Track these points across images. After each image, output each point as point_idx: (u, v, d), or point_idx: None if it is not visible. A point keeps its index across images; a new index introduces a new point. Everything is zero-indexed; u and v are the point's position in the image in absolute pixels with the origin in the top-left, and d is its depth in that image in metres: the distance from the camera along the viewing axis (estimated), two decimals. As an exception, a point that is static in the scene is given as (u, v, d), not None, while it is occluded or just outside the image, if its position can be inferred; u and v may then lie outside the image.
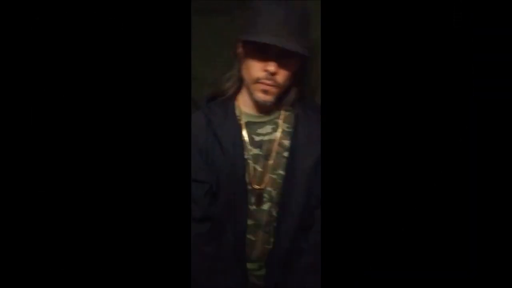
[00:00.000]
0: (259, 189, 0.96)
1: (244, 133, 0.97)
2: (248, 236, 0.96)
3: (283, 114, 0.99)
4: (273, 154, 0.97)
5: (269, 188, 0.96)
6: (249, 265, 0.98)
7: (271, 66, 0.89)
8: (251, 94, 0.95)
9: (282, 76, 0.91)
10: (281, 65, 0.90)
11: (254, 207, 0.96)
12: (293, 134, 0.97)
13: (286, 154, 0.97)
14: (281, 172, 0.96)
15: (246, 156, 0.96)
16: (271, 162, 0.96)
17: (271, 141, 0.97)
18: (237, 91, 1.00)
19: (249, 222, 0.96)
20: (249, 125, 0.98)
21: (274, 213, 0.96)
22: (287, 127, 0.99)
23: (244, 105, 0.99)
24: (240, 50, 0.95)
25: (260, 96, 0.93)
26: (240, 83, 0.98)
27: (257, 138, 0.97)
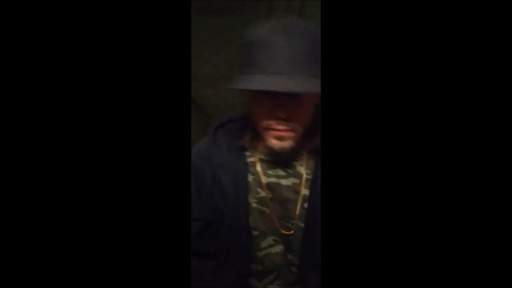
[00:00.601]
0: (287, 234, 0.84)
1: (252, 173, 0.85)
2: (251, 280, 0.87)
3: (305, 157, 0.85)
4: (289, 202, 0.84)
5: (276, 236, 0.85)
6: None
7: (280, 113, 0.75)
8: (265, 143, 0.80)
9: (297, 119, 0.77)
10: (292, 107, 0.75)
11: (263, 252, 0.85)
12: (313, 182, 0.83)
13: (305, 204, 0.83)
14: (300, 223, 0.84)
15: (250, 201, 0.84)
16: (283, 210, 0.84)
17: (284, 187, 0.84)
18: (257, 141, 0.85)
19: (255, 267, 0.86)
20: (260, 163, 0.85)
21: (292, 258, 0.85)
22: (307, 173, 0.84)
23: (257, 141, 0.85)
24: (244, 95, 0.81)
25: (275, 144, 0.78)
26: (255, 133, 0.83)
27: (266, 180, 0.84)
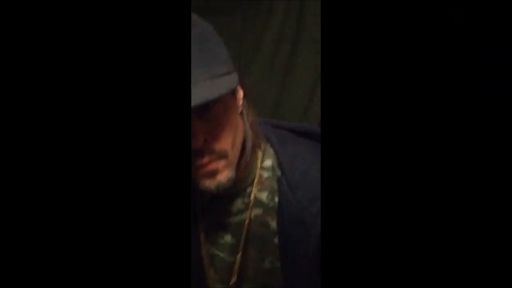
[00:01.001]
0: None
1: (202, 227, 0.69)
2: None
3: (261, 178, 0.68)
4: (256, 240, 0.68)
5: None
6: None
7: (196, 139, 0.61)
8: (199, 188, 0.66)
9: (219, 139, 0.62)
10: (207, 124, 0.62)
11: None
12: (278, 210, 0.66)
13: (275, 239, 0.67)
14: (276, 263, 0.67)
15: (212, 248, 0.68)
16: (251, 250, 0.68)
17: (248, 222, 0.67)
18: None
19: None
20: (209, 205, 0.70)
21: None
22: (268, 198, 0.68)
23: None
24: None
25: (208, 183, 0.64)
26: None
27: (226, 221, 0.68)
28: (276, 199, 0.66)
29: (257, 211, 0.67)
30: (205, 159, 0.62)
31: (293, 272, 0.66)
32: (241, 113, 0.67)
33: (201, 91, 0.59)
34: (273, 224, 0.66)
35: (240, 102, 0.67)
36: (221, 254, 0.68)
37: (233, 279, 0.66)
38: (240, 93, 0.67)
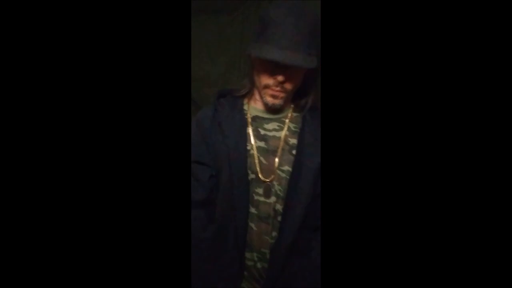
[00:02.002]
0: (267, 181, 0.98)
1: (250, 126, 1.02)
2: (250, 224, 0.98)
3: (290, 114, 1.04)
4: (279, 150, 1.00)
5: (275, 183, 0.98)
6: (248, 255, 0.99)
7: (279, 76, 0.94)
8: (261, 97, 1.01)
9: (290, 84, 0.96)
10: (289, 74, 0.95)
11: (260, 198, 0.98)
12: (300, 134, 1.01)
13: (293, 151, 1.00)
14: (288, 168, 0.99)
15: (249, 148, 0.99)
16: (277, 158, 0.99)
17: (276, 138, 1.01)
18: (249, 92, 1.05)
19: (252, 210, 0.98)
20: (255, 119, 1.03)
21: (279, 208, 0.98)
22: (294, 127, 1.03)
23: (254, 103, 1.04)
24: (250, 58, 0.99)
25: (269, 100, 0.99)
26: (252, 85, 1.03)
27: (262, 132, 1.01)
28: (298, 129, 1.03)
29: (285, 132, 1.02)
30: (277, 88, 0.96)
31: (299, 180, 0.98)
32: (309, 81, 1.02)
33: (302, 59, 0.91)
34: (293, 141, 1.01)
35: (315, 71, 0.99)
36: (260, 157, 1.01)
37: (272, 176, 0.99)
38: (315, 69, 0.98)
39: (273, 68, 0.94)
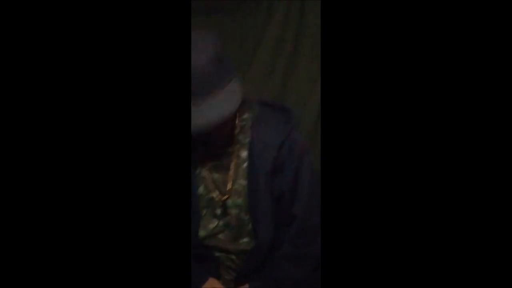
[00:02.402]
0: (224, 199, 1.01)
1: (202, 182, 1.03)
2: (219, 236, 1.02)
3: (238, 125, 1.02)
4: (232, 166, 1.01)
5: (232, 198, 1.01)
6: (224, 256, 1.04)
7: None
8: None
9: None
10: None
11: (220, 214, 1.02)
12: (250, 144, 1.01)
13: (243, 165, 1.01)
14: (243, 182, 1.01)
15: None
16: (231, 173, 1.01)
17: (229, 153, 1.02)
18: None
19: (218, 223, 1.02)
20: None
21: (244, 217, 1.01)
22: (242, 137, 1.02)
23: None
24: None
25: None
26: None
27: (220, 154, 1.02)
28: (248, 139, 1.02)
29: (236, 146, 1.02)
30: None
31: (255, 188, 1.00)
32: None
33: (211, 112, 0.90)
34: (243, 155, 1.01)
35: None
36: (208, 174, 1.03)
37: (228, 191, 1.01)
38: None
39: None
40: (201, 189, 1.03)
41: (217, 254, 1.05)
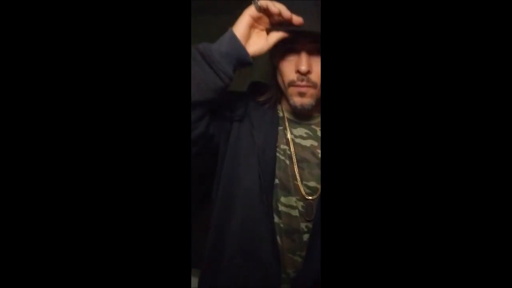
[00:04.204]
0: (309, 199, 0.88)
1: (280, 125, 0.92)
2: (277, 237, 0.87)
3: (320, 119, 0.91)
4: (304, 162, 0.89)
5: (297, 195, 0.89)
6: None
7: (303, 65, 0.83)
8: (288, 101, 0.89)
9: (317, 74, 0.85)
10: (313, 62, 0.85)
11: (285, 209, 0.88)
12: None
13: (319, 165, 0.88)
14: (316, 185, 0.88)
15: (276, 149, 0.89)
16: (301, 170, 0.89)
17: (301, 147, 0.91)
18: (277, 100, 0.94)
19: (277, 221, 0.88)
20: (285, 120, 0.92)
21: (304, 226, 0.88)
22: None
23: (284, 105, 0.94)
24: (272, 55, 0.90)
25: (297, 101, 0.87)
26: (279, 93, 0.93)
27: (288, 136, 0.91)
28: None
29: (312, 142, 0.91)
30: (303, 83, 0.84)
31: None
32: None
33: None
34: (319, 154, 0.88)
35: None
36: (284, 162, 0.89)
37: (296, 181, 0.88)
38: None
39: (294, 56, 0.84)
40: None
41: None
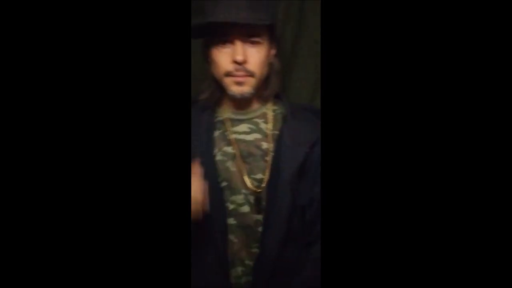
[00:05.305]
0: (257, 191, 0.89)
1: (216, 130, 0.93)
2: (230, 236, 0.90)
3: (265, 113, 0.94)
4: (250, 157, 0.91)
5: (245, 191, 0.90)
6: (232, 271, 0.90)
7: (238, 55, 0.84)
8: (227, 92, 0.89)
9: (253, 63, 0.86)
10: (248, 51, 0.86)
11: (239, 208, 0.90)
12: (278, 137, 0.91)
13: (267, 158, 0.90)
14: (261, 176, 0.90)
15: (216, 153, 0.90)
16: (245, 164, 0.90)
17: (246, 142, 0.92)
18: (216, 103, 0.95)
19: (230, 221, 0.90)
20: (225, 122, 0.93)
21: (259, 218, 0.90)
22: (269, 129, 0.93)
23: (226, 104, 0.94)
24: (204, 47, 0.90)
25: (235, 89, 0.87)
26: (217, 90, 0.92)
27: (231, 136, 0.92)
28: (277, 132, 0.92)
29: (256, 135, 0.92)
30: (240, 72, 0.86)
31: (277, 184, 0.88)
32: (272, 61, 0.92)
33: (257, 16, 0.82)
34: (265, 146, 0.91)
35: (273, 53, 0.92)
36: (227, 163, 0.91)
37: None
38: (274, 50, 0.92)
39: (229, 47, 0.85)
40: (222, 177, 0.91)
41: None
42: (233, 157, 0.91)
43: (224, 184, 0.91)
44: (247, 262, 0.91)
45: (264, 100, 0.95)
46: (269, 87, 0.93)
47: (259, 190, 0.90)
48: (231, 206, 0.91)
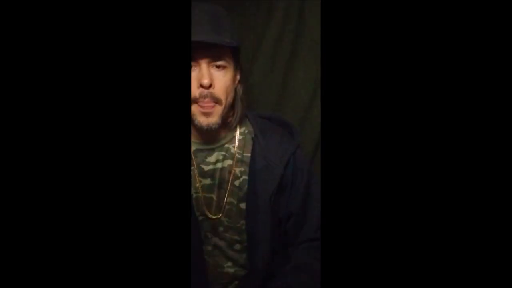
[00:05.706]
0: (214, 218, 0.93)
1: (192, 165, 0.92)
2: (208, 259, 0.94)
3: (235, 138, 0.94)
4: (225, 183, 0.93)
5: (223, 218, 0.93)
6: None
7: (204, 78, 0.83)
8: (194, 123, 0.88)
9: (219, 88, 0.86)
10: (214, 75, 0.85)
11: (210, 235, 0.94)
12: (251, 160, 0.92)
13: (237, 183, 0.92)
14: (234, 201, 0.93)
15: (195, 187, 0.91)
16: (222, 191, 0.92)
17: (222, 169, 0.93)
18: None
19: (208, 248, 0.94)
20: (196, 154, 0.93)
21: (238, 238, 0.94)
22: (239, 153, 0.94)
23: (193, 135, 0.93)
24: None
25: (202, 121, 0.86)
26: None
27: (206, 168, 0.92)
28: (248, 155, 0.92)
29: (229, 162, 0.92)
30: (206, 100, 0.84)
31: (254, 209, 0.90)
32: (236, 87, 0.92)
33: (223, 38, 0.82)
34: (238, 171, 0.92)
35: (238, 78, 0.92)
36: (200, 194, 0.92)
37: (217, 214, 0.92)
38: (238, 76, 0.92)
39: (195, 71, 0.84)
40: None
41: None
42: (211, 187, 0.93)
43: (200, 218, 0.93)
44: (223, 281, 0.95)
45: (230, 127, 0.95)
46: (235, 115, 0.93)
47: (215, 217, 0.93)
48: (212, 239, 0.94)
